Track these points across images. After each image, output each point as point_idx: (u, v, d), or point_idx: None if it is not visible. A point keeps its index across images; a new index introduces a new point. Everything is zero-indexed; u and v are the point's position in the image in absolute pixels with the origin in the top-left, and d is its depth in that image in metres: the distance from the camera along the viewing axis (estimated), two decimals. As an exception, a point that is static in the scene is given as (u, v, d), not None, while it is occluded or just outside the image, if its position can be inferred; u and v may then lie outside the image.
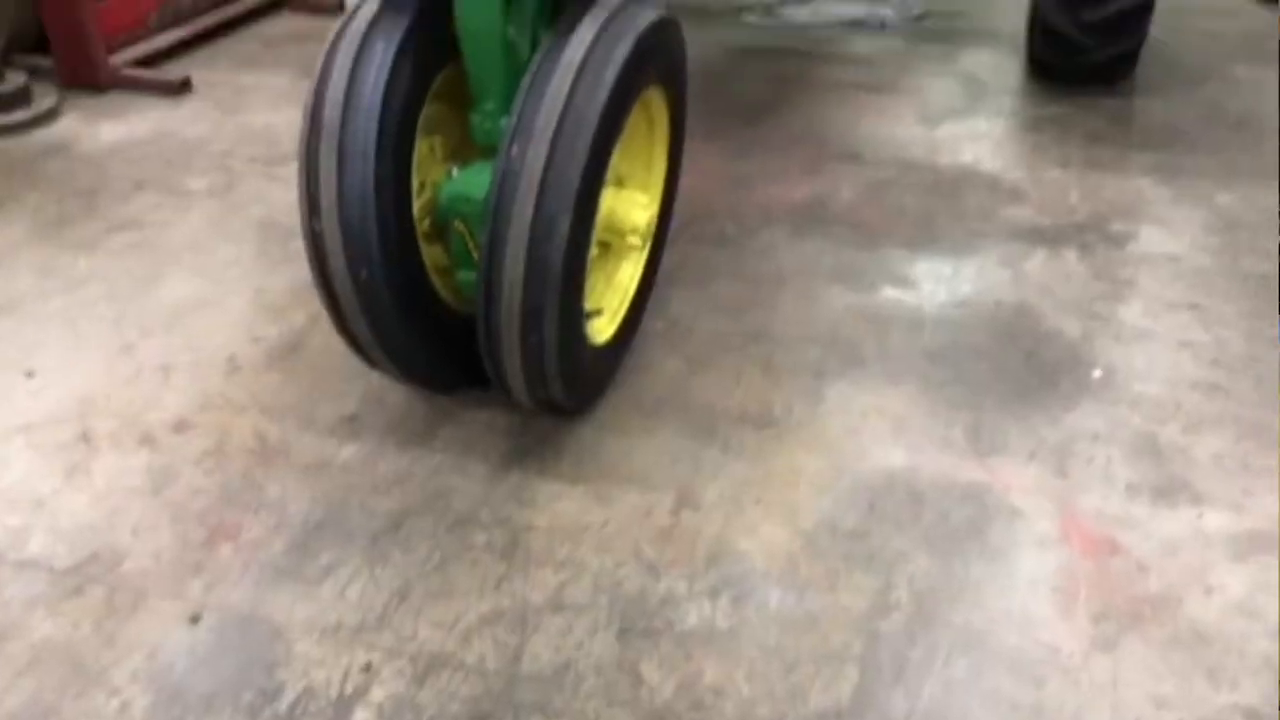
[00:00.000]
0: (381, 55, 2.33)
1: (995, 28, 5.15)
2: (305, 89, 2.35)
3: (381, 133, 2.28)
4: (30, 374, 2.80)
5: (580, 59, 2.24)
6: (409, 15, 2.39)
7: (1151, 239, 3.44)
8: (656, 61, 2.49)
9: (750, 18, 5.34)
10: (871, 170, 3.86)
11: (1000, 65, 4.76)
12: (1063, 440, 2.59)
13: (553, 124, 2.19)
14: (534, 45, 2.44)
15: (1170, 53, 4.80)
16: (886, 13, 5.36)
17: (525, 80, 2.28)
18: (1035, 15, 4.29)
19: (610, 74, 2.25)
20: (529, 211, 2.18)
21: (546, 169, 2.18)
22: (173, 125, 4.20)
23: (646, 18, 2.41)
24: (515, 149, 2.21)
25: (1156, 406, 2.70)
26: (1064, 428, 2.63)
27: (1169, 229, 3.49)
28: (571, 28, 2.31)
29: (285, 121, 4.13)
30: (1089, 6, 4.04)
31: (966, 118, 4.27)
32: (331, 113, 2.30)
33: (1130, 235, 3.46)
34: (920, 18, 5.31)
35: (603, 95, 2.23)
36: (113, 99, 4.41)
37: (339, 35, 2.39)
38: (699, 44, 4.94)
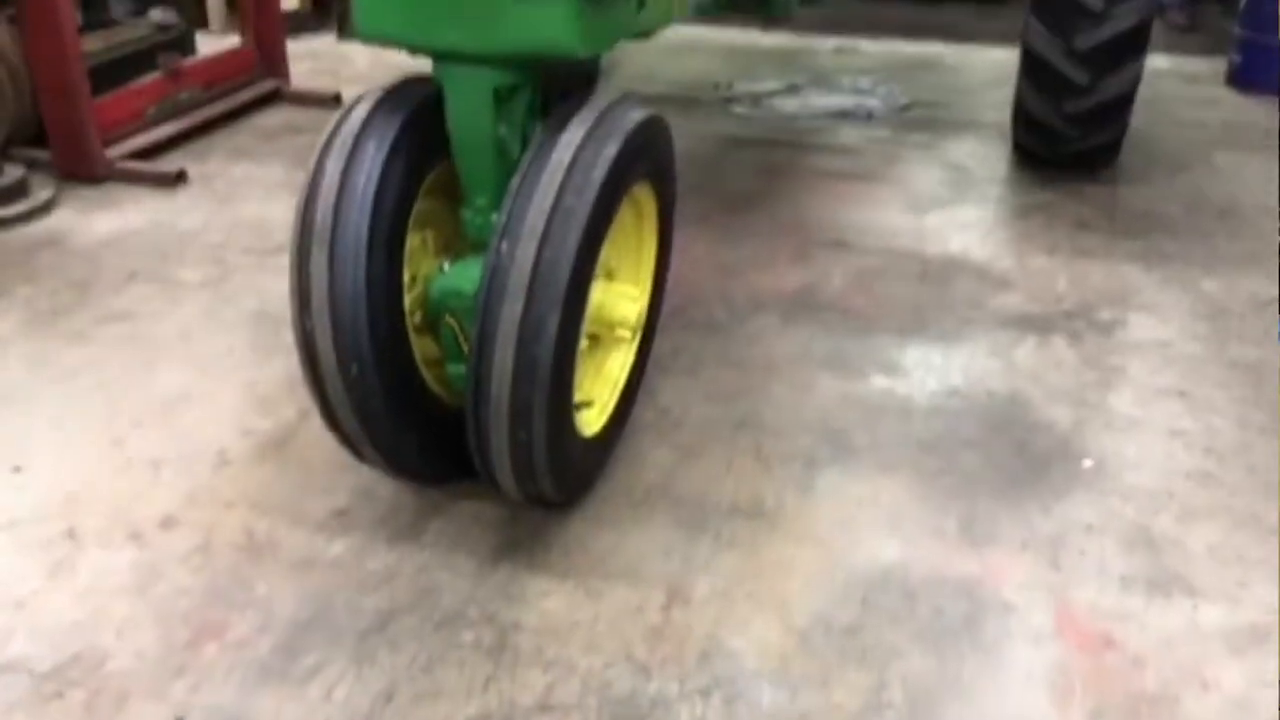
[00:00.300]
0: (374, 155, 2.37)
1: (979, 118, 5.25)
2: (299, 180, 2.38)
3: (373, 232, 2.31)
4: (18, 469, 2.79)
5: (569, 159, 2.27)
6: (402, 114, 2.43)
7: (1140, 326, 3.46)
8: (644, 159, 2.53)
9: (738, 108, 5.43)
10: (860, 258, 3.90)
11: (985, 153, 4.83)
12: (1056, 531, 2.57)
13: (542, 222, 2.21)
14: (524, 144, 2.47)
15: (1152, 140, 4.88)
16: (873, 103, 5.46)
17: (516, 178, 2.31)
18: (1018, 106, 4.36)
19: (598, 173, 2.28)
20: (518, 308, 2.19)
21: (536, 266, 2.19)
22: (167, 216, 4.23)
23: (634, 117, 2.44)
24: (505, 245, 2.23)
25: (1149, 497, 2.69)
26: (1057, 518, 2.62)
27: (1157, 316, 3.52)
28: (561, 127, 2.35)
29: (279, 212, 4.17)
30: (1070, 98, 4.11)
31: (953, 206, 4.33)
32: (324, 213, 2.32)
33: (1119, 322, 3.48)
34: (906, 108, 5.40)
35: (591, 194, 2.26)
36: (109, 190, 4.45)
37: (332, 134, 2.43)
38: (688, 134, 5.04)
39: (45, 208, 4.22)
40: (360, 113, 2.44)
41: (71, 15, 4.37)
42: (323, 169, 2.38)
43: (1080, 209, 4.26)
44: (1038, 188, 4.46)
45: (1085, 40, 3.95)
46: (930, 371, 3.22)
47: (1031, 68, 4.17)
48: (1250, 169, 4.64)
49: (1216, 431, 2.93)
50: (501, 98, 2.42)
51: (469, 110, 2.42)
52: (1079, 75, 4.02)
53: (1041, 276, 3.76)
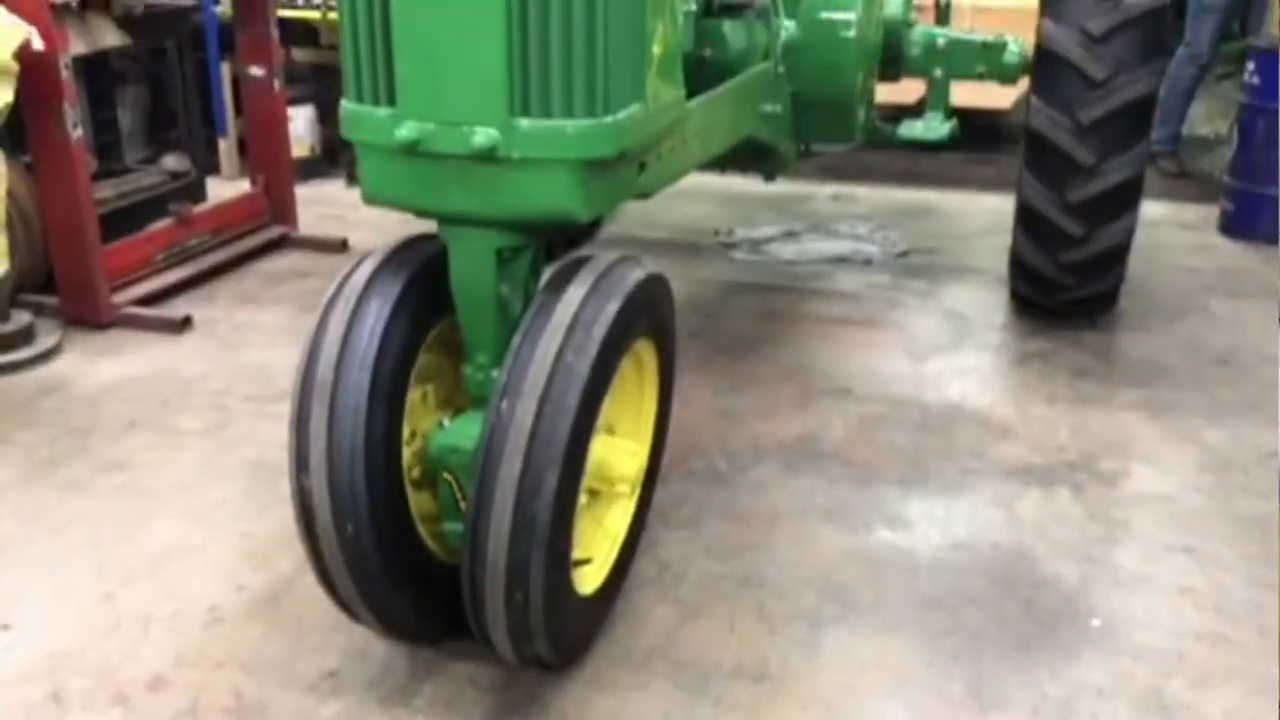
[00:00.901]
0: (377, 313, 2.39)
1: (977, 264, 5.31)
2: (302, 325, 2.39)
3: (374, 391, 2.32)
4: (6, 627, 2.74)
5: (570, 318, 2.29)
6: (406, 272, 2.46)
7: (1144, 478, 3.44)
8: (645, 317, 2.55)
9: (737, 254, 5.51)
10: (861, 406, 3.90)
11: (983, 300, 4.88)
12: (1066, 695, 2.51)
13: (542, 381, 2.21)
14: (526, 301, 2.50)
15: (1149, 287, 4.93)
16: (871, 249, 5.53)
17: (517, 337, 2.32)
18: (1015, 255, 4.42)
19: (599, 332, 2.29)
20: (516, 467, 2.18)
21: (535, 425, 2.19)
22: (170, 363, 4.25)
23: (635, 276, 2.47)
24: (505, 404, 2.23)
25: (1160, 658, 2.63)
26: (1066, 681, 2.55)
27: (1160, 468, 3.50)
28: (562, 286, 2.37)
29: (281, 358, 4.19)
30: (1066, 249, 4.17)
31: (953, 353, 4.35)
32: (325, 371, 2.33)
33: (1122, 474, 3.46)
34: (904, 254, 5.48)
35: (591, 352, 2.27)
36: (114, 336, 4.48)
37: (337, 292, 2.45)
38: (687, 279, 5.10)
39: (49, 354, 4.25)
40: (365, 271, 2.47)
41: (85, 166, 4.47)
42: (326, 326, 2.40)
43: (1079, 356, 4.28)
44: (1036, 335, 4.48)
45: (1078, 193, 4.02)
46: (933, 524, 3.19)
47: (1026, 219, 4.24)
48: (1247, 316, 4.67)
49: (1226, 589, 2.88)
50: (504, 258, 2.45)
51: (472, 270, 2.46)
52: (1073, 227, 4.09)
53: (1042, 425, 3.75)
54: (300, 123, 6.50)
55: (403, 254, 2.52)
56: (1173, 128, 6.66)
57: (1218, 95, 8.33)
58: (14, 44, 3.90)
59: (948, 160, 6.82)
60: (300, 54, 6.77)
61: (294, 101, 6.25)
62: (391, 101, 2.36)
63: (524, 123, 2.30)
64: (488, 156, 2.29)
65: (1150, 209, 5.54)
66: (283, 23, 5.79)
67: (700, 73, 3.40)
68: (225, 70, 6.44)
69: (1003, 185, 5.95)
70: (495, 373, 2.42)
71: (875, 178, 6.69)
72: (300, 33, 6.66)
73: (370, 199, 2.49)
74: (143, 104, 7.03)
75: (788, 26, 3.79)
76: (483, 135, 2.28)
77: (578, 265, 2.47)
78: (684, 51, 2.84)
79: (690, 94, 2.92)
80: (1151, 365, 4.23)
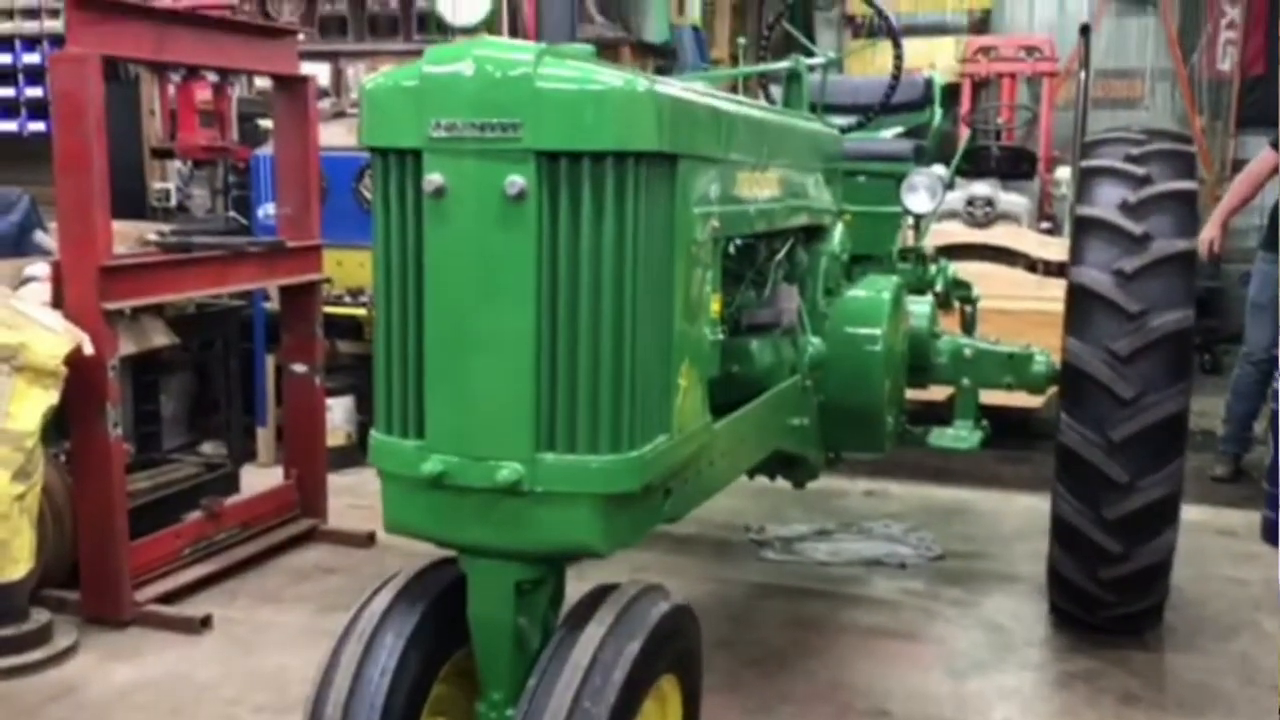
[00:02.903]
0: (390, 647, 2.33)
1: (1015, 570, 5.18)
2: (322, 627, 2.33)
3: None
4: None
5: (589, 660, 2.22)
6: (423, 604, 2.42)
7: (1206, 825, 3.19)
8: (669, 653, 2.46)
9: (768, 553, 5.42)
10: (899, 731, 3.70)
11: (1022, 611, 4.72)
12: None
13: (558, 729, 2.12)
14: (545, 634, 2.43)
15: (1197, 601, 4.77)
16: (905, 551, 5.43)
17: (533, 679, 2.25)
18: (1053, 569, 4.30)
19: (618, 676, 2.22)
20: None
21: (549, 775, 2.08)
22: (186, 666, 4.15)
23: (659, 610, 2.41)
24: (519, 752, 2.12)
25: None
26: None
27: (1223, 813, 3.25)
28: (582, 623, 2.31)
29: (298, 663, 4.07)
30: (1105, 564, 4.05)
31: (993, 671, 4.16)
32: (334, 710, 2.25)
33: (1182, 819, 3.21)
34: (939, 557, 5.36)
35: (610, 699, 2.18)
36: (132, 634, 4.40)
37: (352, 622, 2.41)
38: (716, 581, 4.99)
39: (64, 655, 4.16)
40: (381, 602, 2.43)
41: (122, 465, 4.52)
42: (338, 661, 2.34)
43: (1127, 679, 4.08)
44: (1080, 653, 4.30)
45: (1114, 510, 3.96)
46: None
47: (1063, 534, 4.15)
48: (1301, 636, 4.48)
49: None
50: (523, 590, 2.41)
51: (490, 602, 2.41)
52: (1112, 544, 3.99)
53: (1093, 759, 3.53)
54: (339, 412, 6.62)
55: (421, 583, 2.50)
56: (1234, 429, 6.64)
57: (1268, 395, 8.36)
58: (65, 350, 4.04)
59: (981, 458, 6.75)
60: (344, 345, 6.99)
61: (334, 392, 6.39)
62: (420, 434, 2.39)
63: (549, 457, 2.31)
64: (511, 490, 2.29)
65: (1190, 514, 5.44)
66: (329, 318, 6.00)
67: (728, 387, 3.44)
68: (270, 362, 6.64)
69: (1037, 485, 5.90)
70: (510, 712, 2.33)
71: (908, 474, 6.66)
72: (345, 326, 6.90)
73: (392, 528, 2.48)
74: (188, 390, 7.20)
75: (814, 342, 3.86)
76: (508, 470, 2.29)
77: (600, 597, 2.42)
78: (712, 375, 2.89)
79: (718, 408, 2.95)
80: (1203, 691, 4.02)
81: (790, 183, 3.55)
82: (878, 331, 4.11)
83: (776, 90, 4.88)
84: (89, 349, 4.14)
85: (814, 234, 4.08)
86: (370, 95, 2.38)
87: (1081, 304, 4.06)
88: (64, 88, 4.20)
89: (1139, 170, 4.16)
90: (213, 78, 5.05)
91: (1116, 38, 11.47)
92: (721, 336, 2.91)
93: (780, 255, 3.74)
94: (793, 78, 4.38)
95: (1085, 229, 4.14)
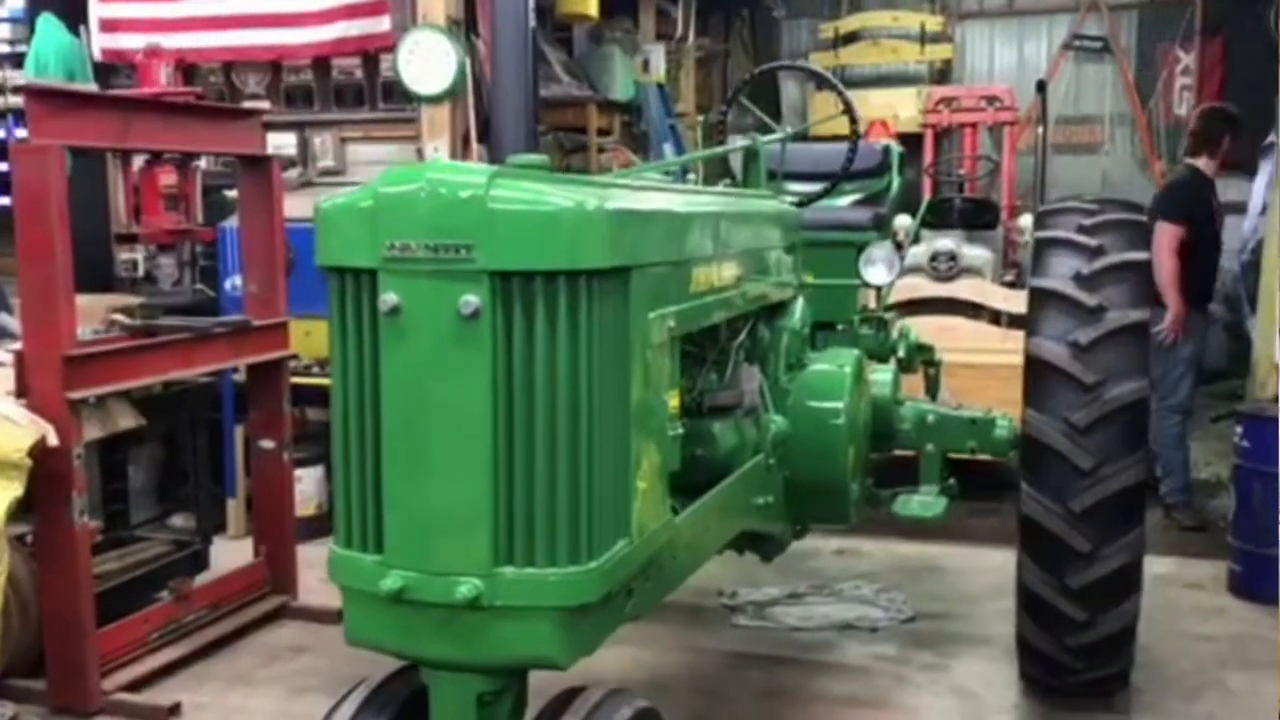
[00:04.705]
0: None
1: (986, 630, 5.20)
2: (291, 711, 2.32)
3: None
4: None
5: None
6: (386, 716, 2.42)
7: None
8: (631, 761, 2.47)
9: (741, 619, 5.42)
10: (870, 809, 3.70)
11: (993, 676, 4.74)
12: None
13: None
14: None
15: (1162, 661, 4.80)
16: (876, 613, 5.45)
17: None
18: (1021, 638, 4.33)
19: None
20: None
21: None
22: (153, 758, 4.11)
23: (624, 714, 2.42)
24: None
25: None
26: None
27: None
28: (548, 725, 2.32)
29: (268, 753, 4.06)
30: (1071, 632, 4.09)
31: (965, 742, 4.18)
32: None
33: None
34: (910, 619, 5.38)
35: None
36: (99, 725, 4.37)
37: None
38: (689, 650, 4.99)
39: (28, 750, 4.13)
40: (345, 715, 2.43)
41: (88, 552, 4.49)
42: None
43: (1096, 747, 4.11)
44: (1051, 719, 4.33)
45: (1077, 579, 3.99)
46: None
47: (1028, 601, 4.19)
48: (1265, 693, 4.51)
49: None
50: (485, 702, 2.42)
51: (452, 714, 2.44)
52: (1076, 612, 4.03)
53: (1063, 834, 3.55)
54: (309, 482, 6.60)
55: (386, 690, 2.50)
56: (1179, 479, 6.72)
57: (1213, 435, 8.49)
58: (29, 443, 4.03)
59: (950, 510, 6.83)
60: (313, 412, 6.97)
61: (303, 463, 6.37)
62: (379, 549, 2.40)
63: (507, 571, 2.33)
64: (470, 606, 2.30)
65: (1156, 566, 5.50)
66: (297, 388, 5.99)
67: (692, 471, 3.46)
68: (239, 433, 6.62)
69: (1005, 538, 5.90)
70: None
71: (878, 530, 6.65)
72: (313, 393, 6.89)
73: (353, 641, 2.49)
74: (156, 459, 7.17)
75: (777, 420, 3.90)
76: (467, 586, 2.30)
77: (566, 702, 2.43)
78: (673, 470, 2.91)
79: (682, 489, 2.97)
80: (1173, 756, 4.05)
81: (749, 267, 3.60)
82: (840, 405, 4.15)
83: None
84: (53, 440, 4.13)
85: (775, 309, 4.13)
86: (325, 215, 2.41)
87: (1039, 375, 4.11)
88: (26, 179, 4.21)
89: (1091, 241, 4.24)
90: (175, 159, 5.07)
91: (1075, 85, 11.69)
92: (681, 430, 2.94)
93: (741, 336, 3.78)
94: (751, 155, 4.45)
95: (1040, 300, 4.21)
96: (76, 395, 4.28)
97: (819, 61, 11.86)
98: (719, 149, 4.72)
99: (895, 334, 5.24)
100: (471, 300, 2.25)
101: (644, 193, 2.85)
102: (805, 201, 4.67)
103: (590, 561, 2.37)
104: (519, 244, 2.25)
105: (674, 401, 2.89)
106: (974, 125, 10.24)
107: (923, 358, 5.40)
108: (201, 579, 5.35)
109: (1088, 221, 4.34)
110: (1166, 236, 6.39)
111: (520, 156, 2.57)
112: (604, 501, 2.41)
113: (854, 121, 4.76)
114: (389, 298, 2.30)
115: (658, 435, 2.73)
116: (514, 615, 2.32)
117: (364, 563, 2.40)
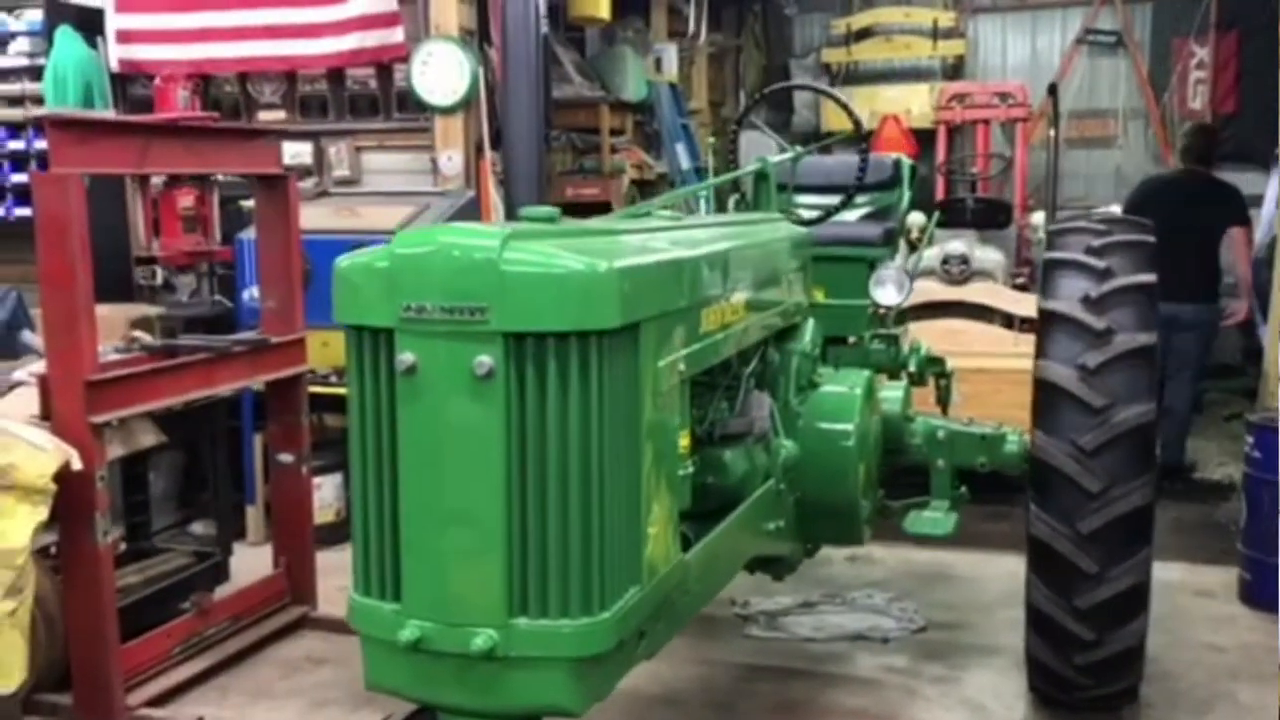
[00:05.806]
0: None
1: (996, 641, 5.26)
2: None
3: None
4: None
5: None
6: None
7: None
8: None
9: (753, 629, 5.49)
10: (880, 828, 3.77)
11: (1003, 689, 4.80)
12: None
13: None
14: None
15: (1172, 672, 4.85)
16: (888, 624, 5.50)
17: None
18: (1030, 654, 4.39)
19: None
20: None
21: None
22: (178, 775, 4.21)
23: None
24: None
25: None
26: None
27: None
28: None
29: (290, 770, 4.14)
30: (1079, 650, 4.14)
31: (973, 758, 4.24)
32: None
33: None
34: (921, 629, 5.44)
35: None
36: (124, 740, 4.46)
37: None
38: (703, 663, 5.06)
39: (56, 767, 4.22)
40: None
41: (111, 571, 4.57)
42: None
43: (1104, 763, 4.17)
44: (1059, 735, 4.39)
45: (1085, 599, 4.04)
46: None
47: (1036, 620, 4.24)
48: (1276, 707, 4.55)
49: None
50: (501, 751, 2.48)
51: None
52: (1084, 631, 4.08)
53: None
54: (328, 490, 6.69)
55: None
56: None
57: (1225, 435, 8.51)
58: (53, 468, 4.11)
59: (959, 525, 6.88)
60: (331, 419, 7.05)
61: (322, 470, 6.46)
62: (397, 597, 2.47)
63: (521, 623, 2.39)
64: (486, 656, 2.37)
65: (1167, 573, 5.53)
66: (315, 396, 6.05)
67: (703, 498, 3.52)
68: (258, 442, 6.70)
69: (1016, 543, 5.94)
70: None
71: (891, 535, 6.67)
72: (331, 400, 6.96)
73: (372, 687, 2.56)
74: (177, 466, 7.27)
75: (787, 445, 3.95)
76: (482, 637, 2.37)
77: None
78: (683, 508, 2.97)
79: (692, 516, 3.03)
80: (1180, 774, 4.10)
81: (760, 298, 3.65)
82: (850, 427, 4.20)
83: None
84: (77, 465, 4.21)
85: (785, 332, 4.18)
86: (343, 274, 2.47)
87: (1047, 398, 4.15)
88: (48, 208, 4.27)
89: (1100, 263, 4.26)
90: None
91: (1089, 79, 11.63)
92: (692, 469, 3.00)
93: (752, 364, 3.83)
94: (761, 177, 4.48)
95: (1049, 323, 4.24)
96: (99, 419, 4.36)
97: (830, 57, 11.85)
98: (728, 175, 4.76)
99: (906, 348, 5.27)
100: (485, 361, 2.31)
101: (653, 238, 2.89)
102: (815, 220, 4.70)
103: (603, 612, 2.43)
104: (531, 306, 2.31)
105: (685, 440, 2.94)
106: (986, 122, 10.22)
107: (934, 370, 5.44)
108: (222, 591, 5.44)
109: (1096, 243, 4.36)
110: (1245, 238, 6.86)
111: (532, 209, 2.62)
112: (615, 551, 2.47)
113: (863, 139, 4.79)
114: (405, 357, 2.36)
115: (669, 477, 2.79)
116: (528, 665, 2.38)
117: (382, 611, 2.47)
